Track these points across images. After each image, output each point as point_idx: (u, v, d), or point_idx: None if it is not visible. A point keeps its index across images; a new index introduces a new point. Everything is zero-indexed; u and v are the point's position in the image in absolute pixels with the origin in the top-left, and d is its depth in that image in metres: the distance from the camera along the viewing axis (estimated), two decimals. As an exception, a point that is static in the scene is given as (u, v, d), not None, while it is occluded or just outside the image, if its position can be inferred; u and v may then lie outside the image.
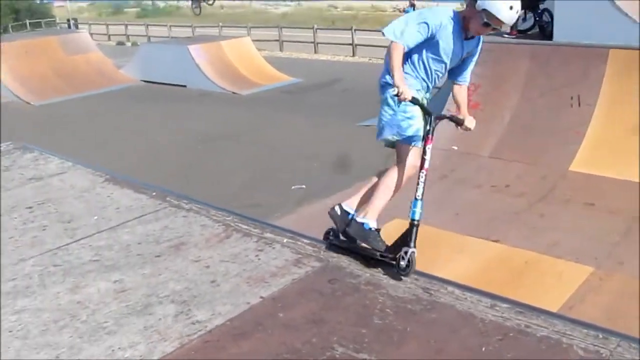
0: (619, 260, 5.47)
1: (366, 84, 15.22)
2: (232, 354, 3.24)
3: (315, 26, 23.82)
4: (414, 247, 3.74)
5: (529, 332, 3.22)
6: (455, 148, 7.95)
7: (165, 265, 4.15)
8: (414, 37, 3.63)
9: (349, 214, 4.07)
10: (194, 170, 8.55)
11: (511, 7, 3.56)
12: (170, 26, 29.49)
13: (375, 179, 4.07)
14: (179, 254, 4.29)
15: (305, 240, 4.41)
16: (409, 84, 3.66)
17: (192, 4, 20.89)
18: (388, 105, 3.78)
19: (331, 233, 4.23)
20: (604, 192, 6.60)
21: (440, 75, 3.84)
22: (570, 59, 7.76)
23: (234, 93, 15.51)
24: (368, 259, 3.96)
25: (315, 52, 23.16)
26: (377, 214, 3.96)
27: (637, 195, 6.39)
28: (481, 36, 3.81)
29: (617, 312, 4.80)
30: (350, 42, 21.99)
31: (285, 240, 4.43)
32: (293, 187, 7.49)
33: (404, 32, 3.61)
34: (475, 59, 3.89)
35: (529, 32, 9.23)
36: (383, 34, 3.66)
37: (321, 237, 4.39)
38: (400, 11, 34.44)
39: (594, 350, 3.00)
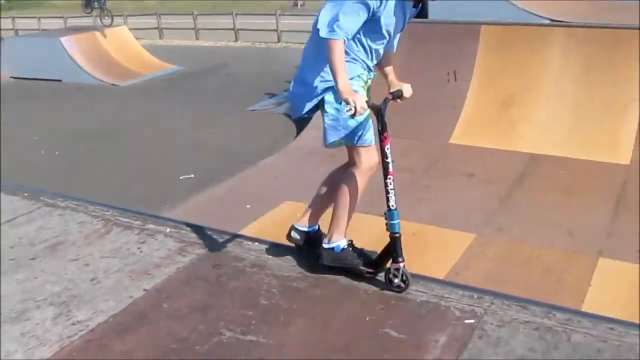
0: (497, 226, 5.73)
1: (251, 69, 15.25)
2: (116, 351, 3.14)
3: (195, 12, 23.13)
4: (403, 260, 3.51)
5: (410, 299, 3.33)
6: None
7: (41, 268, 3.97)
8: (354, 25, 3.16)
9: (307, 232, 3.86)
10: (71, 171, 8.14)
11: None
12: (40, 18, 27.89)
13: (323, 188, 3.85)
14: (55, 255, 4.12)
15: (188, 229, 4.35)
16: (351, 70, 3.25)
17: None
18: (329, 105, 3.39)
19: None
20: (482, 163, 6.90)
21: (382, 51, 3.47)
22: (445, 36, 8.03)
23: (112, 85, 14.90)
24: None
25: (197, 38, 22.59)
26: (343, 230, 3.70)
27: (511, 163, 6.75)
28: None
29: (497, 275, 5.03)
30: (232, 26, 21.61)
31: (168, 230, 4.35)
32: (181, 177, 7.32)
33: (341, 24, 3.11)
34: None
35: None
36: (319, 30, 3.18)
37: (209, 224, 4.32)
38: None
39: (470, 310, 3.15)
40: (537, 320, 3.04)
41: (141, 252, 4.06)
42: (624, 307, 4.36)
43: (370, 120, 3.43)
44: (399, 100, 3.64)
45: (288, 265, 3.79)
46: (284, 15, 20.97)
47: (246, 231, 5.25)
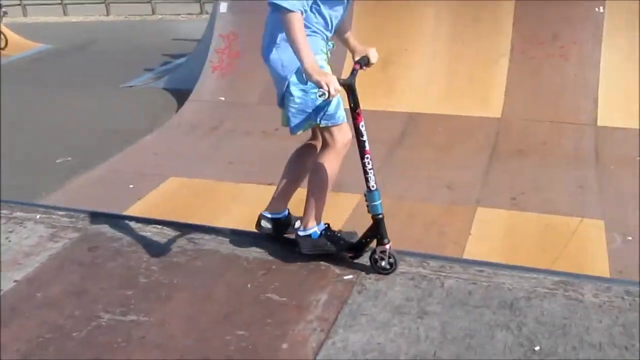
0: (381, 185, 5.82)
1: (125, 43, 14.58)
2: (-15, 348, 2.94)
3: (61, -16, 21.57)
4: (389, 241, 3.34)
5: (290, 261, 3.34)
6: (223, 99, 7.93)
7: None
8: None
9: (277, 218, 3.63)
10: None
11: None
12: None
13: (291, 169, 3.62)
14: None
15: (60, 213, 4.13)
16: (313, 45, 2.98)
17: None
18: (295, 87, 3.12)
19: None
20: (368, 124, 7.00)
21: (340, 18, 3.18)
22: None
23: (-28, 69, 13.76)
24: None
25: (65, 14, 21.15)
26: (320, 215, 3.49)
27: (392, 123, 6.90)
28: None
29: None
30: (103, -1, 20.32)
31: (38, 217, 4.12)
32: (58, 161, 6.93)
33: None
34: None
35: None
36: (273, 5, 2.86)
37: (88, 207, 4.12)
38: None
39: (348, 267, 3.22)
40: (412, 270, 3.15)
41: (9, 241, 3.83)
42: (501, 250, 4.61)
43: (339, 96, 3.09)
44: (365, 68, 3.43)
45: (167, 240, 3.69)
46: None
47: (130, 211, 5.07)
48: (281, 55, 3.08)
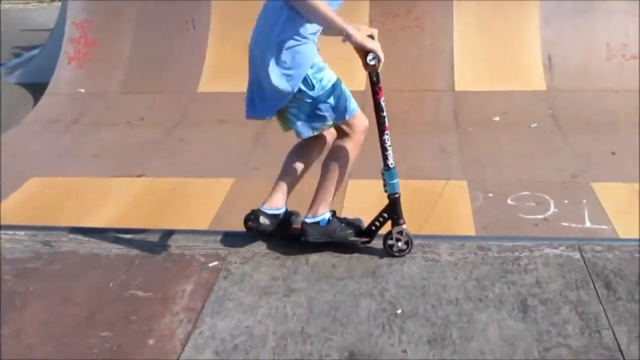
0: (254, 167, 5.83)
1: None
2: None
3: None
4: (404, 221, 3.25)
5: (154, 255, 3.25)
6: (82, 90, 7.55)
7: None
8: None
9: (278, 214, 3.41)
10: None
11: None
12: None
13: (293, 163, 3.45)
14: None
15: None
16: (311, 52, 3.01)
17: None
18: (305, 96, 3.04)
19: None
20: (232, 108, 6.89)
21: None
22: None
23: None
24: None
25: None
26: (329, 202, 3.36)
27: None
28: None
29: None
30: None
31: None
32: None
33: None
34: None
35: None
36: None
37: None
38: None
39: (214, 254, 3.17)
40: (278, 249, 3.15)
41: None
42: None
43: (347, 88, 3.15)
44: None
45: (20, 246, 3.47)
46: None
47: (-14, 218, 4.73)
48: (289, 67, 3.00)
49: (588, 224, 4.76)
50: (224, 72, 7.34)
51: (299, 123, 3.14)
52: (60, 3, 10.21)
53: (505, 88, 6.72)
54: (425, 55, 7.04)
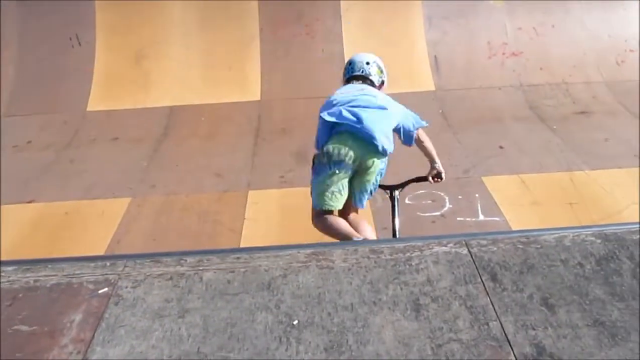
0: (151, 184, 5.71)
1: None
2: None
3: None
4: None
5: (39, 286, 3.07)
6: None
7: None
8: None
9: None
10: None
11: None
12: None
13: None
14: None
15: None
16: None
17: None
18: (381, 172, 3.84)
19: None
20: (125, 124, 6.77)
21: None
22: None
23: None
24: None
25: None
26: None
27: (153, 119, 6.75)
28: None
29: (157, 230, 5.02)
30: None
31: None
32: None
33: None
34: None
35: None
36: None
37: None
38: None
39: (103, 280, 3.03)
40: (170, 270, 3.07)
41: None
42: (277, 229, 4.74)
43: None
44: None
45: None
46: None
47: None
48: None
49: (481, 217, 4.99)
50: (113, 89, 7.17)
51: (369, 191, 3.90)
52: None
53: (396, 90, 6.89)
54: (317, 61, 7.16)
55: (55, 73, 7.28)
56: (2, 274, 3.22)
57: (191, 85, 7.13)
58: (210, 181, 5.65)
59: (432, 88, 6.98)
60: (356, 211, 3.98)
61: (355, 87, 3.87)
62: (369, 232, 3.92)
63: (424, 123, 3.96)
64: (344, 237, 3.73)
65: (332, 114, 3.68)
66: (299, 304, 2.82)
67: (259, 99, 6.95)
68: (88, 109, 7.04)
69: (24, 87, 7.29)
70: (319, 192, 3.78)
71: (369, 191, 3.87)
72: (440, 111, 6.67)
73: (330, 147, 3.66)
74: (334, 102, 3.74)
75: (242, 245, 4.54)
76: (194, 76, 7.20)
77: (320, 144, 3.79)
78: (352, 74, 3.96)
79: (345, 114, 3.64)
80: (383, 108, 3.72)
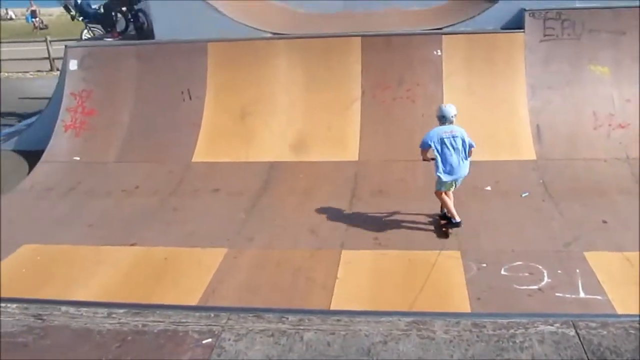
0: (248, 237, 5.83)
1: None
2: None
3: None
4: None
5: (147, 331, 3.21)
6: (78, 159, 7.62)
7: None
8: None
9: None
10: None
11: None
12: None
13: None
14: None
15: None
16: None
17: None
18: None
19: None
20: (226, 177, 6.99)
21: None
22: (174, 55, 8.01)
23: None
24: None
25: None
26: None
27: (254, 173, 6.94)
28: None
29: (252, 284, 5.10)
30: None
31: None
32: None
33: None
34: None
35: (126, 33, 9.29)
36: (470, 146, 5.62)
37: None
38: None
39: (207, 330, 3.14)
40: (271, 326, 3.13)
41: None
42: (368, 291, 4.71)
43: None
44: None
45: (12, 319, 3.43)
46: (3, 42, 18.94)
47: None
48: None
49: (582, 295, 4.75)
50: (218, 142, 7.47)
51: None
52: (58, 73, 10.40)
53: (495, 157, 6.84)
54: (417, 125, 7.19)
55: (165, 124, 7.69)
56: (114, 315, 3.39)
57: (292, 143, 7.33)
58: (305, 238, 5.72)
59: (533, 157, 6.84)
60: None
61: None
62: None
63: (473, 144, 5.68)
64: (449, 211, 5.69)
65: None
66: (398, 373, 2.79)
67: (357, 159, 7.05)
68: (193, 159, 7.36)
69: (136, 136, 7.73)
70: (442, 182, 5.60)
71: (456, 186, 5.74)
72: (541, 181, 6.51)
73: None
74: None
75: (333, 305, 4.52)
76: (294, 134, 7.41)
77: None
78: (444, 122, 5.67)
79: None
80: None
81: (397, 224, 5.84)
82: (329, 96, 7.56)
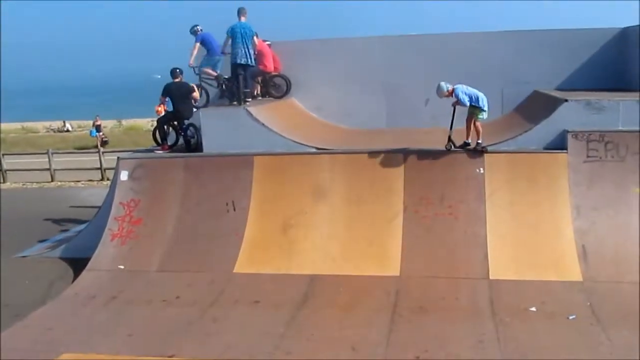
0: (286, 351, 5.75)
1: (21, 212, 13.85)
2: None
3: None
4: None
5: None
6: (122, 267, 7.75)
7: None
8: None
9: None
10: None
11: None
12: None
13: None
14: None
15: None
16: None
17: None
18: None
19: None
20: (267, 289, 7.00)
21: None
22: (221, 167, 8.30)
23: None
24: None
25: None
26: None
27: (294, 286, 6.95)
28: None
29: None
30: (-1, 167, 19.17)
31: None
32: None
33: None
34: None
35: (176, 146, 9.62)
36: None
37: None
38: (55, 131, 33.19)
39: None
40: None
41: None
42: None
43: None
44: None
45: None
46: (57, 153, 19.68)
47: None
48: None
49: None
50: (260, 253, 7.54)
51: None
52: (109, 182, 10.80)
53: (540, 277, 6.72)
54: (459, 242, 7.17)
55: (208, 234, 7.82)
56: None
57: (332, 256, 7.35)
58: (345, 354, 5.60)
59: (579, 278, 6.69)
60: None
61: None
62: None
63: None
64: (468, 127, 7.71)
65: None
66: None
67: (398, 274, 7.00)
68: (234, 270, 7.40)
69: (179, 245, 7.85)
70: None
71: None
72: (588, 303, 6.31)
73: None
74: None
75: None
76: (335, 247, 7.44)
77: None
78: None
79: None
80: None
81: (439, 343, 5.71)
82: (370, 210, 7.66)
